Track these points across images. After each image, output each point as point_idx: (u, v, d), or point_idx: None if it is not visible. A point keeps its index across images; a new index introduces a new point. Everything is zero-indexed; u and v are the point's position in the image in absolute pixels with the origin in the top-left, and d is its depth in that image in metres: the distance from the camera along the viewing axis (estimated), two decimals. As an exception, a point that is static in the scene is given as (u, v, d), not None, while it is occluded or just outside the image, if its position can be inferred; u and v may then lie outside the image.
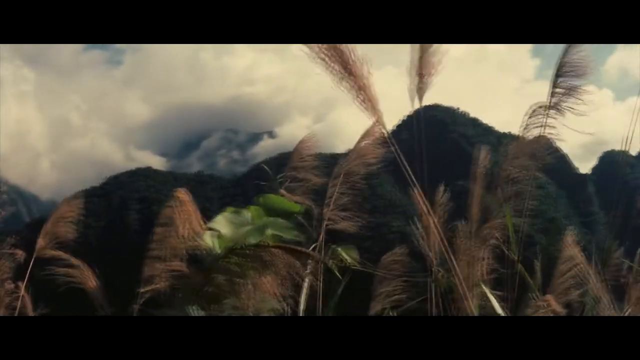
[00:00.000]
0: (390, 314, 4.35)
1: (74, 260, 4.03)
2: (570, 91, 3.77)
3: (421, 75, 3.44)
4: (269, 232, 2.13)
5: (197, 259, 2.21)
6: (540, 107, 3.87)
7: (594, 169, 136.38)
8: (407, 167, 2.73)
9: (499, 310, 3.80)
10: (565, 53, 3.77)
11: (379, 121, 2.58)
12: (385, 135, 2.90)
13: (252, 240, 2.06)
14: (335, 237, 3.91)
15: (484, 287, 4.01)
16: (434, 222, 3.92)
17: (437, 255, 4.36)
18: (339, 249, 3.88)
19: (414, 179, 2.88)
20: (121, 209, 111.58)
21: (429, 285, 4.29)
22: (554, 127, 3.83)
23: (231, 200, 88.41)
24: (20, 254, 4.33)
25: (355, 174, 4.14)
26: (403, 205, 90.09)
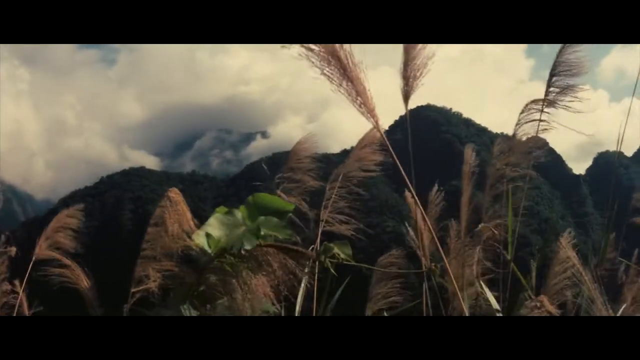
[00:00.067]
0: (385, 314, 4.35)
1: (67, 261, 4.03)
2: (566, 90, 3.78)
3: (407, 78, 3.43)
4: (263, 232, 2.11)
5: (191, 259, 2.20)
6: (535, 102, 3.88)
7: (589, 169, 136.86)
8: (401, 168, 2.73)
9: (496, 306, 3.80)
10: (561, 52, 3.78)
11: (376, 127, 2.58)
12: (383, 139, 2.89)
13: (248, 246, 2.04)
14: (331, 238, 3.90)
15: (478, 286, 4.02)
16: (426, 221, 3.92)
17: (431, 255, 4.37)
18: (331, 245, 3.89)
19: (407, 180, 2.88)
20: (115, 208, 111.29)
21: (424, 286, 4.29)
22: (547, 122, 3.84)
23: (224, 200, 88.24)
24: (13, 250, 4.32)
25: (353, 179, 4.13)
26: (398, 205, 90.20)
